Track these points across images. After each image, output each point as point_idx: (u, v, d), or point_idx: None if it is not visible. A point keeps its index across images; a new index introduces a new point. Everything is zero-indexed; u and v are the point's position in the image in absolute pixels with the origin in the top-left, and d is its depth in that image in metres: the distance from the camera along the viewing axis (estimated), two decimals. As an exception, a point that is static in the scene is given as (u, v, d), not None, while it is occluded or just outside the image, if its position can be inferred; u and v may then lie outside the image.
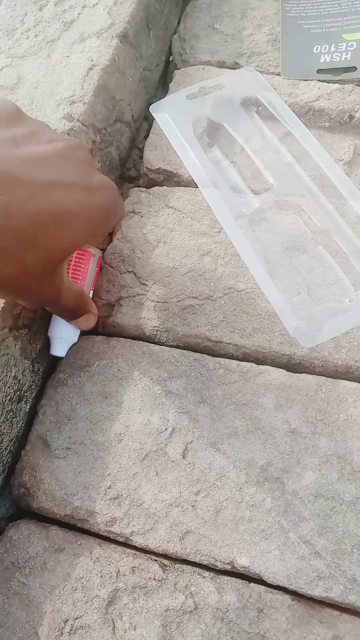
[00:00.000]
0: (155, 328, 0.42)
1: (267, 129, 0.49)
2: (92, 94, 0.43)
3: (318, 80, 0.53)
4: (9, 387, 0.37)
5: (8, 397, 0.37)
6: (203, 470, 0.37)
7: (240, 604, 0.33)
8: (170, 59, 0.58)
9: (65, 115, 0.42)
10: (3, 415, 0.37)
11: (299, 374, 0.39)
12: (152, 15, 0.52)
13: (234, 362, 0.40)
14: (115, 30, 0.46)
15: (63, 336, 0.41)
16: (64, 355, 0.41)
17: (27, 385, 0.40)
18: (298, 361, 0.40)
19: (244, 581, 0.34)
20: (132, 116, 0.51)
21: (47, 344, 0.42)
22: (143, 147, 0.50)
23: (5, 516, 0.39)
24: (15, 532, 0.37)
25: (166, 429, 0.38)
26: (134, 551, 0.36)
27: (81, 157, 0.30)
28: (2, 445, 0.38)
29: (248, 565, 0.34)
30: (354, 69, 0.53)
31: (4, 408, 0.37)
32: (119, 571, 0.35)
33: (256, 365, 0.40)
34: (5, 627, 0.34)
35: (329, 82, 0.52)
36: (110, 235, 0.46)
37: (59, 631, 0.34)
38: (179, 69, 0.54)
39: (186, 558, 0.35)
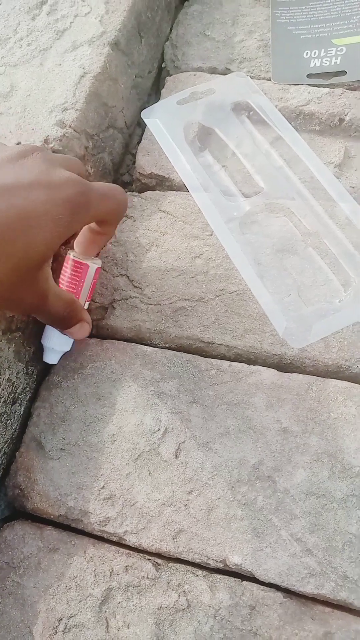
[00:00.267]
0: (148, 330, 0.42)
1: (258, 133, 0.50)
2: (84, 100, 0.44)
3: (308, 84, 0.53)
4: (3, 390, 0.38)
5: (2, 399, 0.38)
6: (195, 469, 0.37)
7: (233, 601, 0.34)
8: (162, 66, 0.59)
9: (57, 122, 0.43)
10: (-2, 417, 0.38)
11: (289, 374, 0.39)
12: (143, 23, 0.52)
13: (226, 363, 0.40)
14: (107, 38, 0.47)
15: (54, 347, 0.40)
16: (55, 363, 0.41)
17: (21, 387, 0.40)
18: (289, 361, 0.40)
19: (236, 579, 0.35)
20: (125, 122, 0.51)
21: (41, 347, 0.42)
22: (136, 152, 0.51)
23: (0, 518, 0.40)
24: (10, 533, 0.37)
25: (159, 430, 0.38)
26: (127, 550, 0.36)
27: (38, 157, 0.29)
28: (-3, 447, 0.38)
29: (240, 563, 0.34)
30: (344, 73, 0.54)
31: (-1, 410, 0.38)
32: (112, 570, 0.35)
33: (247, 365, 0.40)
34: (0, 627, 0.34)
35: (319, 86, 0.53)
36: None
37: (53, 630, 0.34)
38: (171, 76, 0.55)
39: (179, 557, 0.35)
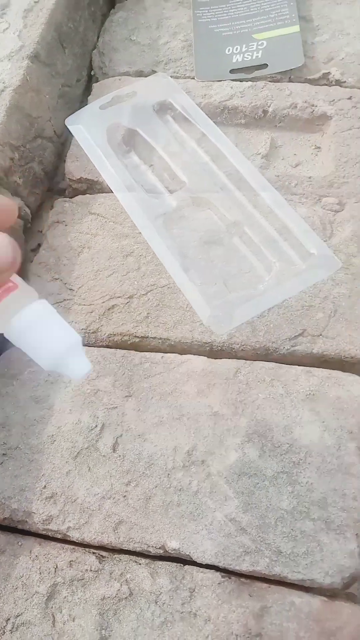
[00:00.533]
0: (82, 331, 0.43)
1: (182, 131, 0.51)
2: (4, 114, 0.45)
3: (231, 80, 0.55)
4: None
5: None
6: (132, 461, 0.38)
7: (173, 585, 0.34)
8: (92, 74, 0.60)
9: (-22, 136, 0.44)
10: None
11: (219, 360, 0.40)
12: (65, 33, 0.54)
13: (159, 355, 0.41)
14: (26, 52, 0.48)
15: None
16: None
17: None
18: (219, 348, 0.41)
19: (178, 564, 0.36)
20: (55, 131, 0.53)
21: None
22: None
23: None
24: None
25: (96, 426, 0.39)
26: (71, 546, 0.37)
27: None
28: None
29: (178, 547, 0.35)
30: (265, 66, 0.55)
31: None
32: (57, 566, 0.36)
33: (180, 355, 0.41)
34: None
35: (242, 80, 0.55)
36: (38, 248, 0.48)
37: (1, 630, 0.35)
38: (98, 82, 0.56)
39: (121, 547, 0.36)
